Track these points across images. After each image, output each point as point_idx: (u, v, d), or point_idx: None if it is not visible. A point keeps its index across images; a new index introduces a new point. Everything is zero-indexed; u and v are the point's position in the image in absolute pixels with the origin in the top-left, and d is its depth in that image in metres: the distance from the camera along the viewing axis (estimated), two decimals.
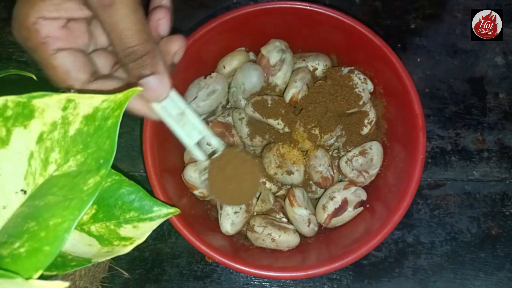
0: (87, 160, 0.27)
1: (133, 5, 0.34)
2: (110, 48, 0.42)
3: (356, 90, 0.51)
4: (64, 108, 0.28)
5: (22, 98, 0.27)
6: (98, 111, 0.28)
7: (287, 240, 0.49)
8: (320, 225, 0.51)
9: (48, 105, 0.27)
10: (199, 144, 0.42)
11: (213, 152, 0.43)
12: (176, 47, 0.40)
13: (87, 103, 0.28)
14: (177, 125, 0.40)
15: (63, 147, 0.28)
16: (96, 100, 0.28)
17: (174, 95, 0.39)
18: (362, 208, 0.50)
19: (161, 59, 0.37)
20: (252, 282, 0.56)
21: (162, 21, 0.39)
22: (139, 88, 0.28)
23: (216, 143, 0.43)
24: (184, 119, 0.40)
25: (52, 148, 0.28)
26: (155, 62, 0.36)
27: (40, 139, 0.28)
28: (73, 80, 0.36)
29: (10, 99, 0.27)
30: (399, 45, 0.63)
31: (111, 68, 0.41)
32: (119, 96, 0.27)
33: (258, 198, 0.51)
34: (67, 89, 0.36)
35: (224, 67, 0.53)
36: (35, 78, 0.36)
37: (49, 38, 0.35)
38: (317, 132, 0.50)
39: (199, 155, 0.42)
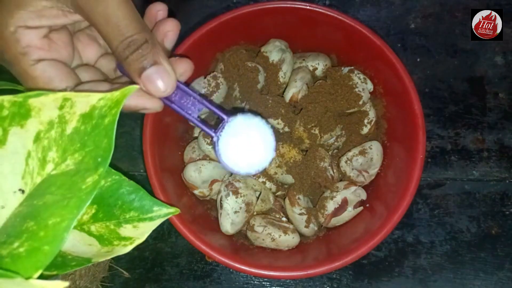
0: (85, 158, 0.27)
1: None
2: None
3: (356, 89, 0.51)
4: (61, 107, 0.28)
5: (18, 97, 0.27)
6: (95, 109, 0.28)
7: (287, 239, 0.49)
8: (320, 225, 0.51)
9: (45, 104, 0.27)
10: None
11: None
12: (168, 27, 0.38)
13: (84, 102, 0.27)
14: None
15: (60, 146, 0.28)
16: (93, 98, 0.27)
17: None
18: (362, 207, 0.50)
19: (161, 49, 0.35)
20: (252, 282, 0.56)
21: (170, 33, 0.38)
22: (135, 86, 0.28)
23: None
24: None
25: (50, 147, 0.28)
26: (156, 51, 0.34)
27: (37, 138, 0.28)
28: (55, 89, 0.34)
29: (6, 99, 0.27)
30: (399, 45, 0.63)
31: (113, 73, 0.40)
32: (116, 94, 0.27)
33: (258, 198, 0.51)
34: (64, 88, 0.35)
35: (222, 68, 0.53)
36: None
37: (29, 48, 0.33)
38: (317, 131, 0.50)
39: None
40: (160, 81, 0.34)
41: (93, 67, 0.39)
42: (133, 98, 0.35)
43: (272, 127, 0.44)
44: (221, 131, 0.41)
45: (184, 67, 0.38)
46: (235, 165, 0.42)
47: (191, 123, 0.41)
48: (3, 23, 0.32)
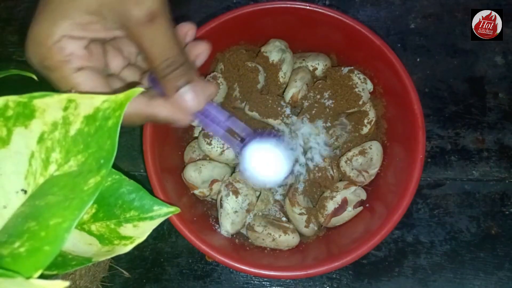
0: (87, 160, 0.27)
1: (169, 20, 0.35)
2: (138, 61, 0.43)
3: (356, 89, 0.51)
4: (65, 108, 0.28)
5: (23, 98, 0.27)
6: (98, 111, 0.28)
7: (287, 239, 0.49)
8: (320, 225, 0.51)
9: (49, 105, 0.27)
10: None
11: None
12: (200, 49, 0.41)
13: (88, 103, 0.28)
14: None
15: (63, 147, 0.28)
16: (97, 100, 0.28)
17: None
18: (361, 207, 0.50)
19: (195, 70, 0.39)
20: (252, 282, 0.56)
21: (202, 54, 0.42)
22: (140, 89, 0.28)
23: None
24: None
25: (53, 148, 0.28)
26: (192, 72, 0.38)
27: (41, 139, 0.28)
28: None
29: (11, 99, 0.27)
30: (399, 45, 0.63)
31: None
32: (120, 96, 0.27)
33: (258, 198, 0.51)
34: (68, 90, 0.35)
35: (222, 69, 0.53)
36: (35, 78, 0.36)
37: (72, 56, 0.34)
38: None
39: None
40: (194, 98, 0.38)
41: (119, 78, 0.41)
42: (166, 110, 0.38)
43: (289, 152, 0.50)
44: (248, 145, 0.46)
45: (202, 48, 0.41)
46: (256, 175, 0.49)
47: (217, 137, 0.48)
48: (46, 32, 0.34)
